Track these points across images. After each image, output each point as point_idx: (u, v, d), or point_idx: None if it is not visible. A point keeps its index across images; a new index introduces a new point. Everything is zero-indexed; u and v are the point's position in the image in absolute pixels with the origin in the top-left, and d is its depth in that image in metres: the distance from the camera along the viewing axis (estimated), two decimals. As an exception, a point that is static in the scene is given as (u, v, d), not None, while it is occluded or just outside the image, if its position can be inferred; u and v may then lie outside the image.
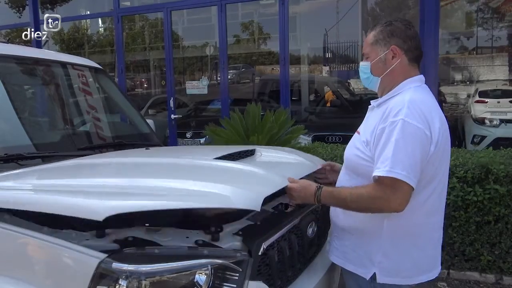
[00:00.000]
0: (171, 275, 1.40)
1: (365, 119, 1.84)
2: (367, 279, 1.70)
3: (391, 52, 1.71)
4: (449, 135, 1.70)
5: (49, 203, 1.52)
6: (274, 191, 1.69)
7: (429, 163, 1.60)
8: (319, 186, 1.75)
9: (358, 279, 1.75)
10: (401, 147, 1.52)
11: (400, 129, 1.53)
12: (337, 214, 1.84)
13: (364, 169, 1.68)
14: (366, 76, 1.79)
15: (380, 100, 1.76)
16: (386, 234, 1.66)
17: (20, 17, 9.78)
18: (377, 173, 1.56)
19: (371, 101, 1.84)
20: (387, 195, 1.54)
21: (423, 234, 1.70)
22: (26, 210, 1.54)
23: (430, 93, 1.74)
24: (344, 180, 1.83)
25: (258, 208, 1.48)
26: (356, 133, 1.81)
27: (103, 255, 1.38)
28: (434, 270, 1.75)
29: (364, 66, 1.79)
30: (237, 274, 1.48)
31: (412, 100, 1.60)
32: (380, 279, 1.68)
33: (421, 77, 1.75)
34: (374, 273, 1.69)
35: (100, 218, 1.35)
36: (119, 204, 1.42)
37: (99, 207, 1.40)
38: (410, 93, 1.66)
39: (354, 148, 1.74)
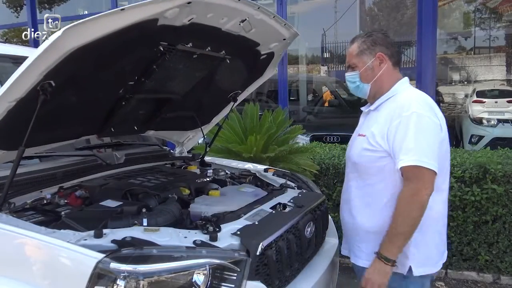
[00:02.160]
0: (169, 275, 1.40)
1: (362, 122, 1.93)
2: (405, 274, 1.75)
3: (378, 59, 1.83)
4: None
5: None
6: None
7: (445, 150, 1.74)
8: (377, 255, 1.72)
9: (392, 278, 1.74)
10: (420, 137, 1.65)
11: (416, 121, 1.66)
12: (357, 218, 1.88)
13: (378, 168, 1.76)
14: (355, 85, 1.90)
15: (376, 103, 1.86)
16: None
17: (17, 17, 9.77)
18: (402, 163, 1.64)
19: (362, 108, 1.96)
20: (418, 186, 1.63)
21: (441, 220, 1.82)
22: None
23: None
24: (356, 186, 1.88)
25: None
26: (358, 137, 1.88)
27: (101, 255, 1.38)
28: (445, 253, 1.88)
29: (352, 75, 1.90)
30: (235, 274, 1.48)
31: (417, 96, 1.78)
32: (416, 272, 1.74)
33: (407, 79, 1.89)
34: (410, 266, 1.74)
35: None
36: None
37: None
38: (410, 91, 1.81)
39: (363, 150, 1.81)
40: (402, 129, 1.67)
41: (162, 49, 1.95)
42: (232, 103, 2.90)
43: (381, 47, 1.83)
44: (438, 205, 1.77)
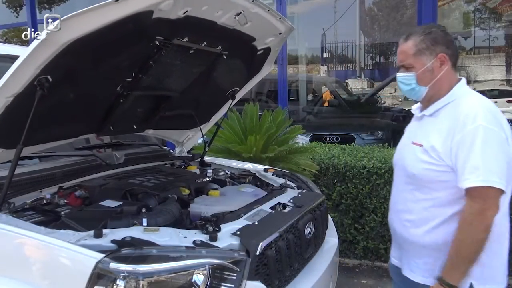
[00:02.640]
0: (169, 275, 1.40)
1: (416, 128, 1.78)
2: None
3: (439, 60, 1.66)
4: None
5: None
6: None
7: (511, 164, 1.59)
8: (439, 281, 1.60)
9: None
10: (487, 154, 1.50)
11: (482, 136, 1.51)
12: (413, 233, 1.73)
13: (440, 182, 1.62)
14: (410, 87, 1.72)
15: (432, 108, 1.70)
16: None
17: (17, 17, 9.76)
18: (469, 184, 1.51)
19: (413, 110, 1.81)
20: (484, 206, 1.50)
21: (507, 237, 1.68)
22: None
23: None
24: (412, 199, 1.73)
25: None
26: (413, 145, 1.71)
27: (100, 255, 1.38)
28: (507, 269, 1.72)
29: (407, 77, 1.71)
30: (235, 274, 1.48)
31: (481, 104, 1.59)
32: None
33: (465, 80, 1.73)
34: (471, 283, 1.61)
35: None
36: None
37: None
38: (473, 97, 1.64)
39: (422, 162, 1.65)
40: (467, 144, 1.52)
41: (158, 44, 1.94)
42: (230, 101, 2.90)
43: (442, 46, 1.65)
44: (504, 223, 1.65)
